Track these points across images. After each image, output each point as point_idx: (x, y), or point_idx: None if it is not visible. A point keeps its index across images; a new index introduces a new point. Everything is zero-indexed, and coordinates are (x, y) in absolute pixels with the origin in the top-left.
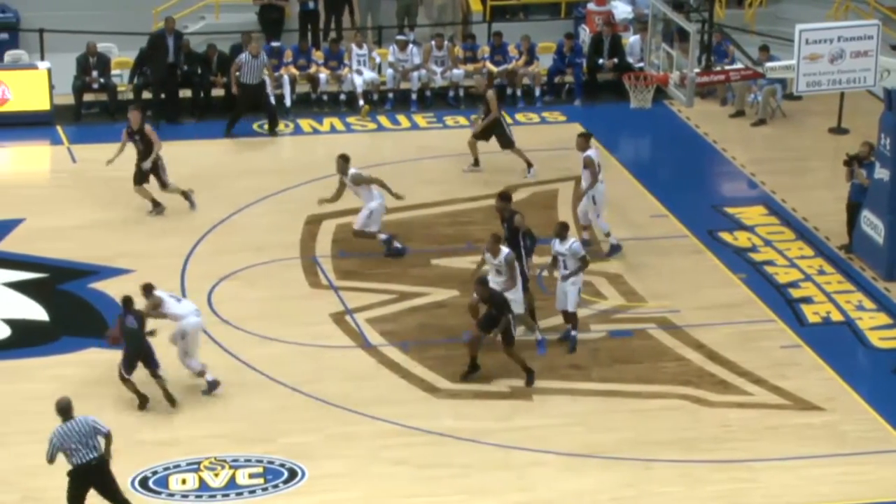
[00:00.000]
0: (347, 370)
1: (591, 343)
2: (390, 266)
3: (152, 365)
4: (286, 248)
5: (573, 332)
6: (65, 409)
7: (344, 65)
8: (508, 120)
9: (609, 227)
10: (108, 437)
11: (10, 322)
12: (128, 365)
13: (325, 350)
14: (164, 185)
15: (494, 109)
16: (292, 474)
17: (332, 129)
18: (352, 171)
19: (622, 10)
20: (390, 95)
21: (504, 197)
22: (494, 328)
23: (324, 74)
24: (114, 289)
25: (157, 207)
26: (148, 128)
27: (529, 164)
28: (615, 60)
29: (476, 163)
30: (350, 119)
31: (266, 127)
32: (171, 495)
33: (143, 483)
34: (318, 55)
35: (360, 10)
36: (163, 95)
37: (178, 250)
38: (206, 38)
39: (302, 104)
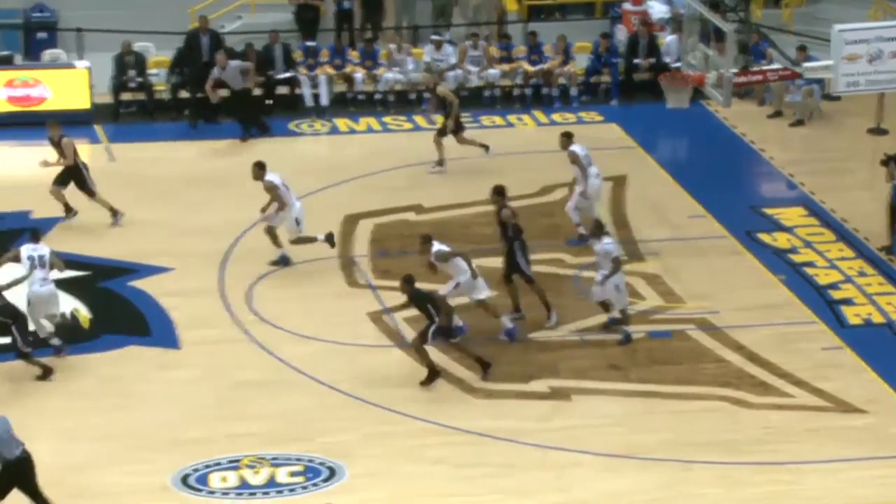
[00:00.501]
0: (385, 369)
1: (629, 344)
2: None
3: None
4: (324, 248)
5: (626, 329)
6: None
7: (379, 64)
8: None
9: (579, 219)
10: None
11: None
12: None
13: (363, 349)
14: (91, 194)
15: (453, 99)
16: (332, 473)
17: (369, 129)
18: (267, 177)
19: (658, 10)
20: (426, 95)
21: (497, 191)
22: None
23: (360, 74)
24: (153, 287)
25: (70, 213)
26: (65, 140)
27: (441, 162)
28: (652, 60)
29: (441, 163)
30: (386, 118)
31: (303, 126)
32: (212, 493)
33: (185, 480)
34: (353, 55)
35: (396, 10)
36: (199, 94)
37: (217, 249)
38: (243, 37)
39: (338, 103)
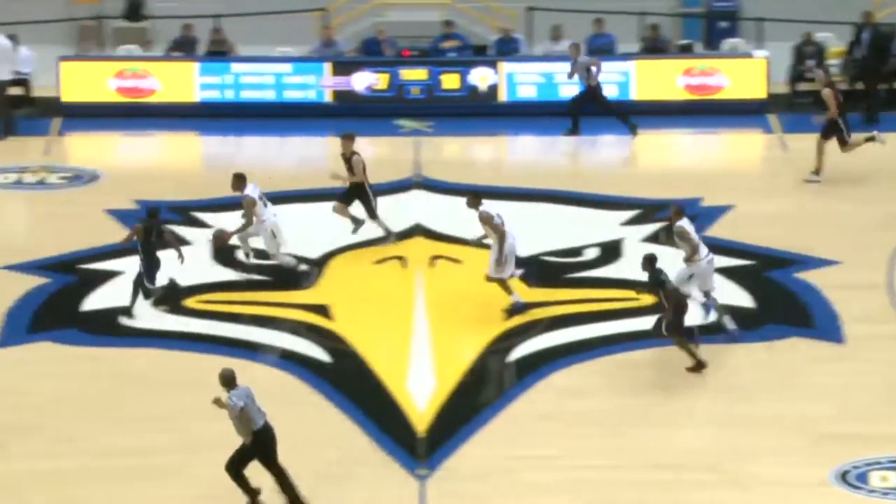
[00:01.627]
0: None
1: None
2: None
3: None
4: None
5: None
6: (231, 379)
7: None
8: None
9: None
10: None
11: None
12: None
13: None
14: (373, 214)
15: (832, 108)
16: None
17: None
18: (481, 208)
19: None
20: None
21: None
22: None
23: None
24: (818, 279)
25: (358, 224)
26: (356, 158)
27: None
28: None
29: (817, 171)
30: None
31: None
32: (872, 492)
33: (843, 477)
34: None
35: None
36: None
37: (888, 242)
38: None
39: None
